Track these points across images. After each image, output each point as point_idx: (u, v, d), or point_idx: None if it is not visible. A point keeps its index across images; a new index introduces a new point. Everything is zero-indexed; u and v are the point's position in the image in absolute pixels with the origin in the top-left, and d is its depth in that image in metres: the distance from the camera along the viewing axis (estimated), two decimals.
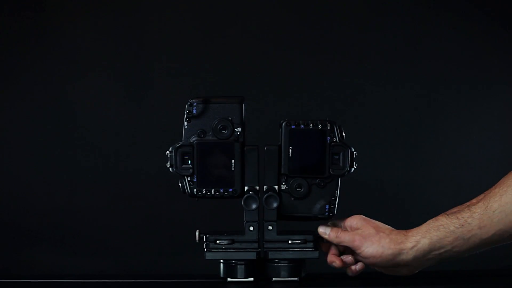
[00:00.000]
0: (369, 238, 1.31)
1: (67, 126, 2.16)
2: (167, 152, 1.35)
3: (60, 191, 2.16)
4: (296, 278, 1.34)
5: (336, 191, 1.35)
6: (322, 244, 1.36)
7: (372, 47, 2.17)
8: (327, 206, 1.35)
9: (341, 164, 1.35)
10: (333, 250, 1.36)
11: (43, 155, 2.16)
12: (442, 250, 1.29)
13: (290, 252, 1.33)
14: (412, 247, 1.29)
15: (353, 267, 1.35)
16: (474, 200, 1.30)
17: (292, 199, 1.35)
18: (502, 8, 2.16)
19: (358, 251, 1.32)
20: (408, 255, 1.30)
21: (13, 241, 2.15)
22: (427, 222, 1.31)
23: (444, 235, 1.28)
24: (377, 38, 2.17)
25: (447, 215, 1.30)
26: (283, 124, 1.35)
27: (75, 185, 2.15)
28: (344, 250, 1.36)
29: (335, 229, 1.34)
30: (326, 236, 1.34)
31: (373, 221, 1.34)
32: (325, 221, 1.36)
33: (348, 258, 1.35)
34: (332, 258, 1.35)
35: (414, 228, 1.31)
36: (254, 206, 1.33)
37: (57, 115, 2.16)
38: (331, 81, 2.17)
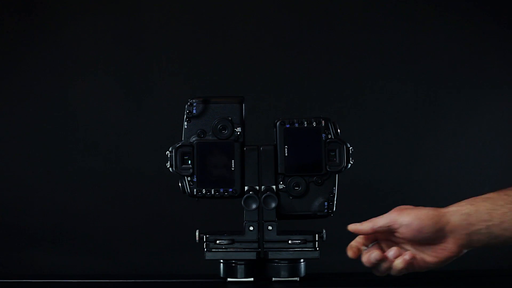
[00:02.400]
0: (407, 210, 1.24)
1: (67, 126, 2.16)
2: (167, 152, 1.35)
3: (60, 191, 2.16)
4: (296, 278, 1.34)
5: (334, 188, 1.35)
6: (349, 250, 1.29)
7: (372, 46, 2.17)
8: (326, 203, 1.35)
9: (337, 161, 1.35)
10: (365, 251, 1.27)
11: (43, 155, 2.16)
12: (490, 223, 1.21)
13: (290, 252, 1.33)
14: (457, 210, 1.22)
15: (402, 258, 1.24)
16: None
17: (291, 198, 1.35)
18: (502, 8, 2.16)
19: (396, 226, 1.23)
20: (454, 216, 1.21)
21: (13, 241, 2.15)
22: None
23: (492, 207, 1.21)
24: (376, 37, 2.17)
25: (494, 191, 1.23)
26: (278, 124, 1.35)
27: (75, 185, 2.15)
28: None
29: (367, 221, 1.27)
30: (361, 228, 1.26)
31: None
32: (324, 219, 1.36)
33: (393, 250, 1.24)
34: (367, 253, 1.25)
35: None
36: (254, 206, 1.33)
37: (57, 115, 2.16)
38: (331, 81, 2.17)
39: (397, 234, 1.25)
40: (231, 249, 1.33)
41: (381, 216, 1.26)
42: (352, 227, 1.27)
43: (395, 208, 1.26)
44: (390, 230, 1.25)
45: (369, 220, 1.27)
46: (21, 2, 2.16)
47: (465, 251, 1.24)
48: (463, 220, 1.22)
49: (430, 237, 1.23)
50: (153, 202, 2.15)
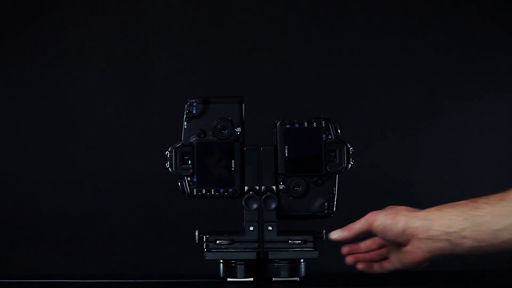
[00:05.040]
0: (383, 210, 1.27)
1: (66, 126, 2.16)
2: (167, 152, 1.34)
3: (60, 191, 2.16)
4: (296, 278, 1.34)
5: (334, 188, 1.35)
6: (348, 257, 1.35)
7: (372, 46, 2.17)
8: (326, 204, 1.35)
9: (337, 161, 1.34)
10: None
11: (43, 156, 2.16)
12: (450, 230, 1.21)
13: (290, 252, 1.33)
14: (424, 215, 1.23)
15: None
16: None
17: (291, 198, 1.35)
18: (503, 8, 2.16)
19: (373, 225, 1.26)
20: (416, 221, 1.23)
21: (13, 241, 2.15)
22: None
23: (456, 213, 1.21)
24: (377, 37, 2.17)
25: (469, 199, 1.24)
26: (278, 124, 1.35)
27: (75, 185, 2.15)
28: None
29: (345, 227, 1.31)
30: (340, 237, 1.31)
31: None
32: (324, 219, 1.36)
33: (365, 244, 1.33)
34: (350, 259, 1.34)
35: None
36: (255, 206, 1.32)
37: (57, 115, 2.16)
38: (331, 81, 2.17)
39: (373, 227, 1.28)
40: (231, 249, 1.33)
41: (360, 220, 1.30)
42: (333, 237, 1.31)
43: (385, 208, 1.30)
44: (370, 232, 1.28)
45: (347, 226, 1.30)
46: (22, 2, 2.16)
47: (429, 258, 1.25)
48: (424, 225, 1.23)
49: (394, 240, 1.26)
50: (153, 202, 2.15)
